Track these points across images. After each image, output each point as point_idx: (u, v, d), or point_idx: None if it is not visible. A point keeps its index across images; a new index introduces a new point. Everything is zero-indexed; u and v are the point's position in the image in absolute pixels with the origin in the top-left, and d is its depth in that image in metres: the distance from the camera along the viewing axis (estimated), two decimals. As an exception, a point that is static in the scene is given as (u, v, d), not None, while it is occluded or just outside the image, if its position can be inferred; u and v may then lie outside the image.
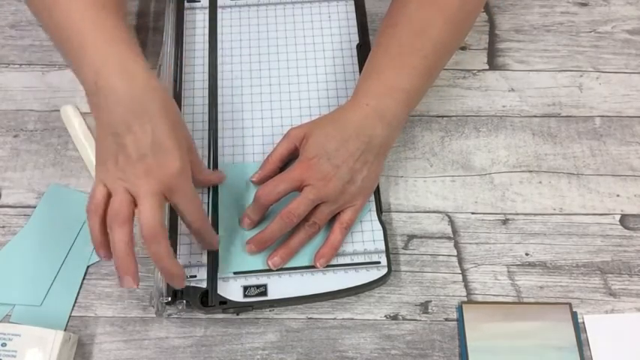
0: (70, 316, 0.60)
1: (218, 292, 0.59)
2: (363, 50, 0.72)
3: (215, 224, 0.62)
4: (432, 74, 0.63)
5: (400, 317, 0.60)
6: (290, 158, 0.62)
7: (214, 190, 0.63)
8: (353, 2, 0.75)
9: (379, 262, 0.60)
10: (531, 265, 0.62)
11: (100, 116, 0.53)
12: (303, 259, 0.61)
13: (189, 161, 0.54)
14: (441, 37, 0.61)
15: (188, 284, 0.59)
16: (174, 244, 0.61)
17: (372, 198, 0.63)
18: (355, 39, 0.73)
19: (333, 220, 0.60)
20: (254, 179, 0.63)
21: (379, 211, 0.63)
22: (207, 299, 0.59)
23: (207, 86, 0.70)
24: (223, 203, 0.63)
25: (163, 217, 0.52)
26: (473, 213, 0.65)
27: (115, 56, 0.53)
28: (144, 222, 0.51)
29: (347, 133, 0.58)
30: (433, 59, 0.61)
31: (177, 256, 0.61)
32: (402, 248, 0.63)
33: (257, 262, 0.60)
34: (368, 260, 0.61)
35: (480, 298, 0.61)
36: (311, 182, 0.57)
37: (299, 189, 0.58)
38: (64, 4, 0.55)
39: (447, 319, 0.60)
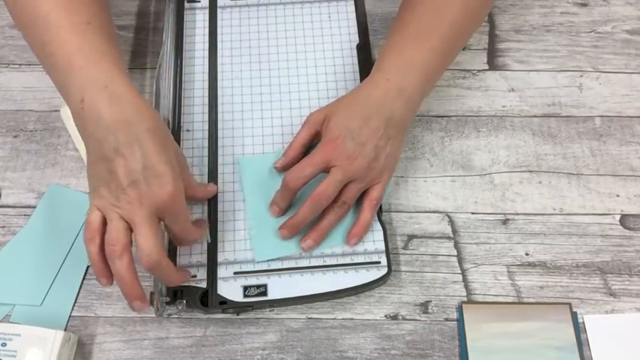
0: (70, 316, 0.60)
1: (218, 292, 0.59)
2: (363, 50, 0.72)
3: (215, 224, 0.62)
4: (450, 54, 0.64)
5: (400, 317, 0.60)
6: (312, 143, 0.62)
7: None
8: (353, 2, 0.75)
9: (379, 262, 0.60)
10: (531, 265, 0.62)
11: (88, 140, 0.52)
12: (304, 261, 0.61)
13: (181, 181, 0.53)
14: (459, 18, 0.62)
15: (188, 284, 0.59)
16: (173, 244, 0.61)
17: (372, 198, 0.63)
18: (355, 39, 0.73)
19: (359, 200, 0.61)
20: (277, 165, 0.63)
21: (379, 211, 0.63)
22: (207, 299, 0.59)
23: (207, 86, 0.70)
24: (249, 194, 0.63)
25: (161, 240, 0.52)
26: (473, 213, 0.65)
27: (100, 79, 0.52)
28: (142, 251, 0.51)
29: (369, 110, 0.58)
30: (451, 40, 0.62)
31: (178, 256, 0.61)
32: (402, 248, 0.63)
33: (290, 246, 0.60)
34: (368, 260, 0.61)
35: (480, 298, 0.61)
36: (337, 163, 0.57)
37: (326, 170, 0.58)
38: (48, 19, 0.55)
39: (447, 319, 0.60)
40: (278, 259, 0.60)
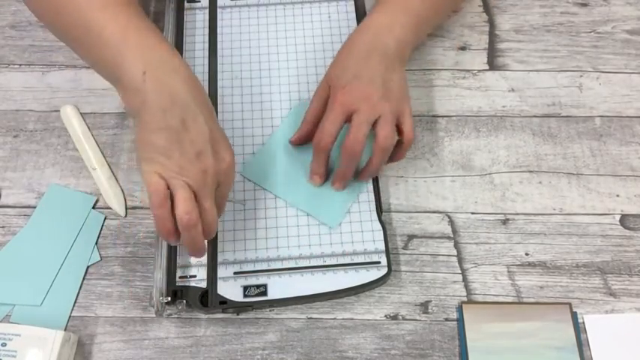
0: (70, 316, 0.60)
1: (218, 292, 0.59)
2: (363, 50, 0.72)
3: None
4: (438, 10, 0.68)
5: (400, 317, 0.60)
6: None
7: None
8: (353, 2, 0.75)
9: (379, 262, 0.60)
10: (531, 265, 0.62)
11: (147, 110, 0.51)
12: (304, 261, 0.61)
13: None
14: None
15: (188, 284, 0.59)
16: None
17: (372, 198, 0.63)
18: (355, 39, 0.73)
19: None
20: (293, 140, 0.64)
21: (379, 211, 0.63)
22: (207, 299, 0.59)
23: (207, 86, 0.70)
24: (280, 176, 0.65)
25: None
26: (473, 213, 0.65)
27: (159, 54, 0.53)
28: (206, 223, 0.52)
29: (364, 51, 0.60)
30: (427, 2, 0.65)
31: (177, 256, 0.61)
32: (402, 248, 0.63)
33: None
34: (368, 260, 0.61)
35: (480, 298, 0.61)
36: (355, 107, 0.58)
37: (348, 120, 0.59)
38: (88, 1, 0.54)
39: (447, 319, 0.60)
40: (286, 256, 0.60)
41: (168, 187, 0.51)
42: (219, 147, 0.53)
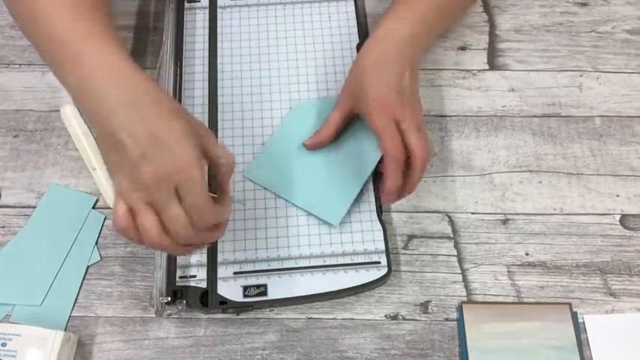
0: (70, 316, 0.60)
1: (218, 292, 0.59)
2: (363, 50, 0.72)
3: None
4: (447, 16, 0.69)
5: (400, 317, 0.60)
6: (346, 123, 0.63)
7: None
8: (353, 2, 0.75)
9: (379, 262, 0.60)
10: (531, 265, 0.62)
11: (96, 126, 0.50)
12: (304, 261, 0.61)
13: (194, 148, 0.48)
14: None
15: (188, 284, 0.59)
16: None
17: (372, 198, 0.64)
18: (355, 39, 0.73)
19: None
20: (307, 143, 0.64)
21: (379, 211, 0.63)
22: (207, 299, 0.59)
23: (207, 86, 0.70)
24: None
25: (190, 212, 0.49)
26: (473, 213, 0.65)
27: (104, 62, 0.51)
28: (176, 236, 0.48)
29: (389, 61, 0.60)
30: (438, 9, 0.65)
31: (177, 256, 0.61)
32: (402, 248, 0.63)
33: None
34: (368, 260, 0.61)
35: (480, 298, 0.61)
36: (399, 117, 0.58)
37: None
38: (46, 10, 0.54)
39: (447, 319, 0.60)
40: (286, 256, 0.60)
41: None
42: (169, 144, 0.47)
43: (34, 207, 0.65)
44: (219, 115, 0.68)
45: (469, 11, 0.77)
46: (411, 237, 0.64)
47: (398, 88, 0.58)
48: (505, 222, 0.64)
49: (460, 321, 0.59)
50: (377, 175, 0.65)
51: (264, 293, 0.59)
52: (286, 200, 0.63)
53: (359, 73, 0.61)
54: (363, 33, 0.73)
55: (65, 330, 0.59)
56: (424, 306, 0.60)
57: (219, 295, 0.59)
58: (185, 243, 0.49)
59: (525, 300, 0.60)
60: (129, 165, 0.47)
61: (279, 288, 0.59)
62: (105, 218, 0.65)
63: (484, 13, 0.77)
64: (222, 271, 0.60)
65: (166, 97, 0.51)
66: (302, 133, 0.65)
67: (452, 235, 0.64)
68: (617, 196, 0.65)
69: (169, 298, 0.58)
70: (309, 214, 0.63)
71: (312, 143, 0.64)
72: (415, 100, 0.60)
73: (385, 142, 0.57)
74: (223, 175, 0.52)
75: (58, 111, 0.70)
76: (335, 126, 0.63)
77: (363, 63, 0.61)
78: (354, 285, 0.59)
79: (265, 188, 0.64)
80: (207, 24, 0.74)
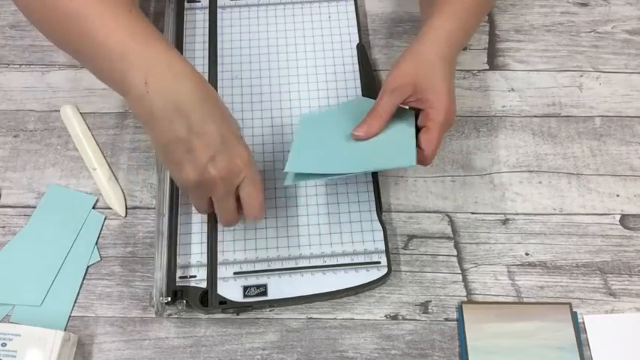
0: (70, 316, 0.60)
1: (218, 292, 0.59)
2: (363, 50, 0.72)
3: None
4: (480, 18, 0.68)
5: (400, 317, 0.60)
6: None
7: None
8: (353, 2, 0.75)
9: (379, 262, 0.60)
10: (531, 265, 0.62)
11: (156, 123, 0.51)
12: (304, 261, 0.61)
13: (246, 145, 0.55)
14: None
15: (188, 284, 0.59)
16: (173, 244, 0.61)
17: (372, 198, 0.63)
18: (355, 39, 0.73)
19: None
20: (361, 134, 0.58)
21: (379, 211, 0.63)
22: (207, 299, 0.59)
23: (207, 86, 0.70)
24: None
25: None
26: (473, 213, 0.65)
27: (158, 59, 0.51)
28: (224, 219, 0.57)
29: (448, 68, 0.59)
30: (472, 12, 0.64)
31: (177, 256, 0.61)
32: (402, 248, 0.63)
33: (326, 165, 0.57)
34: (368, 260, 0.61)
35: (480, 298, 0.61)
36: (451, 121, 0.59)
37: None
38: (89, 11, 0.52)
39: (447, 319, 0.60)
40: (286, 256, 0.60)
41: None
42: (232, 144, 0.52)
43: (34, 207, 0.65)
44: (219, 115, 0.68)
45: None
46: (411, 237, 0.64)
47: (453, 95, 0.59)
48: (505, 222, 0.64)
49: (460, 321, 0.59)
50: (376, 177, 0.65)
51: (264, 293, 0.59)
52: (345, 175, 0.59)
53: (425, 65, 0.58)
54: (363, 33, 0.73)
55: (65, 330, 0.59)
56: (424, 306, 0.60)
57: (219, 295, 0.59)
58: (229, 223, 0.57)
59: (525, 300, 0.60)
60: (197, 165, 0.51)
61: (279, 288, 0.59)
62: (105, 218, 0.65)
63: (484, 13, 0.77)
64: (222, 271, 0.60)
65: (216, 95, 0.55)
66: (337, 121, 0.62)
67: (452, 235, 0.64)
68: (617, 196, 0.65)
69: (169, 298, 0.58)
70: (379, 173, 0.63)
71: (365, 133, 0.58)
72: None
73: (430, 148, 0.57)
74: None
75: (58, 111, 0.70)
76: (388, 115, 0.58)
77: (429, 59, 0.59)
78: (354, 285, 0.59)
79: (318, 174, 0.57)
80: (207, 24, 0.74)
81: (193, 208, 0.63)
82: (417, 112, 0.59)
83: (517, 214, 0.65)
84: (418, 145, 0.57)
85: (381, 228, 0.62)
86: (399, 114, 0.59)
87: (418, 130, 0.58)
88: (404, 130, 0.59)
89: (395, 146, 0.57)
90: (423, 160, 0.58)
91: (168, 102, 0.50)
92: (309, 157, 0.58)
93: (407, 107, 0.60)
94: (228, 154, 0.52)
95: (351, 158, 0.57)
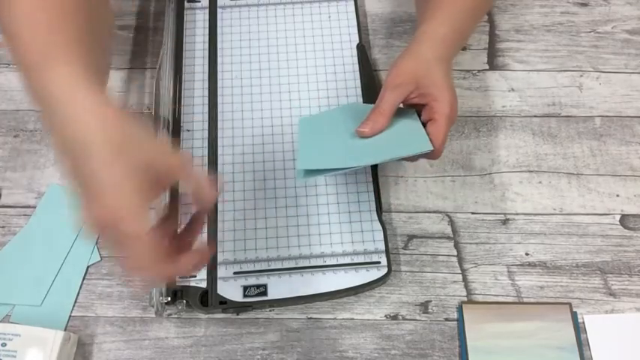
0: (70, 316, 0.60)
1: (218, 292, 0.59)
2: (363, 50, 0.72)
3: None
4: (477, 20, 0.68)
5: (400, 317, 0.60)
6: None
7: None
8: (353, 2, 0.75)
9: (379, 262, 0.60)
10: (531, 265, 0.62)
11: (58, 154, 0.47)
12: (304, 261, 0.61)
13: (140, 185, 0.44)
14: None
15: (188, 284, 0.59)
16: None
17: (372, 198, 0.63)
18: (355, 39, 0.73)
19: None
20: (366, 130, 0.57)
21: (379, 211, 0.63)
22: (207, 299, 0.59)
23: (207, 86, 0.70)
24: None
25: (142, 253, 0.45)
26: (473, 213, 0.65)
27: (59, 94, 0.45)
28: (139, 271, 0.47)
29: (445, 63, 0.59)
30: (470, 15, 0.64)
31: (177, 256, 0.61)
32: (402, 248, 0.63)
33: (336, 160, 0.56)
34: (368, 260, 0.61)
35: (480, 298, 0.61)
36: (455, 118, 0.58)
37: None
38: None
39: (447, 319, 0.60)
40: (286, 256, 0.60)
41: None
42: (102, 195, 0.43)
43: (34, 207, 0.65)
44: (219, 115, 0.68)
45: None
46: (411, 237, 0.64)
47: (455, 93, 0.58)
48: (505, 222, 0.64)
49: (460, 321, 0.59)
50: (376, 177, 0.65)
51: (264, 293, 0.59)
52: (359, 167, 0.57)
53: (424, 64, 0.58)
54: (363, 33, 0.73)
55: (65, 330, 0.59)
56: (424, 306, 0.60)
57: (219, 295, 0.59)
58: (161, 277, 0.49)
59: (525, 300, 0.60)
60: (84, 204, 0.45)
61: (279, 288, 0.59)
62: (105, 218, 0.64)
63: (484, 13, 0.77)
64: (222, 271, 0.60)
65: (116, 129, 0.45)
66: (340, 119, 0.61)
67: (452, 235, 0.64)
68: (617, 196, 0.65)
69: (169, 298, 0.58)
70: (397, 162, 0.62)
71: (371, 130, 0.57)
72: None
73: (439, 140, 0.56)
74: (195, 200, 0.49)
75: (58, 111, 0.70)
76: (392, 112, 0.58)
77: (427, 58, 0.58)
78: (354, 285, 0.59)
79: (332, 169, 0.55)
80: (207, 24, 0.74)
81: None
82: (418, 111, 0.59)
83: (517, 214, 0.65)
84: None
85: (381, 228, 0.62)
86: (400, 112, 0.59)
87: (423, 125, 0.58)
88: (410, 122, 0.58)
89: (406, 135, 0.57)
90: (432, 154, 0.57)
91: (57, 141, 0.45)
92: (319, 153, 0.57)
93: (407, 108, 0.60)
94: (98, 204, 0.43)
95: (362, 151, 0.56)
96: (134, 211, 0.44)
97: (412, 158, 0.60)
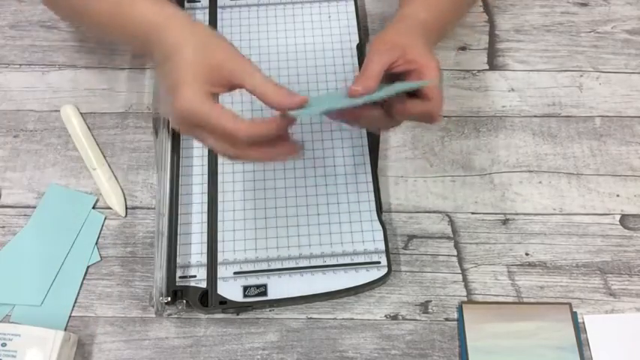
0: (70, 316, 0.60)
1: (218, 292, 0.59)
2: (363, 50, 0.72)
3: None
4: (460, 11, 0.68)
5: (400, 317, 0.60)
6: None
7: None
8: (353, 2, 0.75)
9: (379, 262, 0.60)
10: (531, 265, 0.62)
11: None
12: (304, 261, 0.61)
13: (205, 85, 0.53)
14: None
15: (188, 284, 0.59)
16: (173, 244, 0.61)
17: (372, 198, 0.63)
18: (355, 39, 0.73)
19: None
20: (359, 88, 0.53)
21: (379, 211, 0.63)
22: (207, 299, 0.59)
23: (207, 86, 0.70)
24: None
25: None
26: (473, 213, 0.65)
27: (154, 20, 0.55)
28: (222, 155, 0.54)
29: (425, 32, 0.59)
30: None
31: (177, 256, 0.61)
32: (402, 248, 0.63)
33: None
34: (368, 260, 0.61)
35: (480, 298, 0.61)
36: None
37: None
38: None
39: (447, 319, 0.60)
40: (286, 256, 0.60)
41: None
42: (176, 91, 0.52)
43: (34, 207, 0.65)
44: (219, 115, 0.68)
45: (468, 11, 0.77)
46: (411, 237, 0.64)
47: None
48: (505, 222, 0.64)
49: (460, 321, 0.59)
50: (376, 177, 0.65)
51: (264, 293, 0.59)
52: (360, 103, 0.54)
53: (408, 35, 0.58)
54: (363, 33, 0.73)
55: (65, 330, 0.59)
56: (424, 306, 0.60)
57: (219, 295, 0.59)
58: (244, 158, 0.54)
59: (525, 300, 0.60)
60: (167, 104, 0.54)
61: (279, 288, 0.59)
62: (105, 218, 0.65)
63: (484, 13, 0.77)
64: (222, 271, 0.60)
65: (201, 36, 0.55)
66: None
67: (452, 235, 0.64)
68: (617, 196, 0.65)
69: (169, 298, 0.58)
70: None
71: (364, 88, 0.53)
72: None
73: (437, 98, 0.55)
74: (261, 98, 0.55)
75: (58, 111, 0.70)
76: (380, 76, 0.54)
77: (411, 32, 0.58)
78: (354, 285, 0.59)
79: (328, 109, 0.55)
80: (207, 24, 0.74)
81: (193, 207, 0.63)
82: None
83: (517, 214, 0.65)
84: (424, 97, 0.55)
85: (381, 228, 0.62)
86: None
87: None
88: (398, 84, 0.55)
89: (399, 87, 0.54)
90: (431, 115, 0.55)
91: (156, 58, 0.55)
92: (317, 103, 0.55)
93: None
94: (173, 98, 0.52)
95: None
96: (200, 99, 0.52)
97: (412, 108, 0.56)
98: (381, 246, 0.61)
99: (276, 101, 0.53)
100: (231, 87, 0.55)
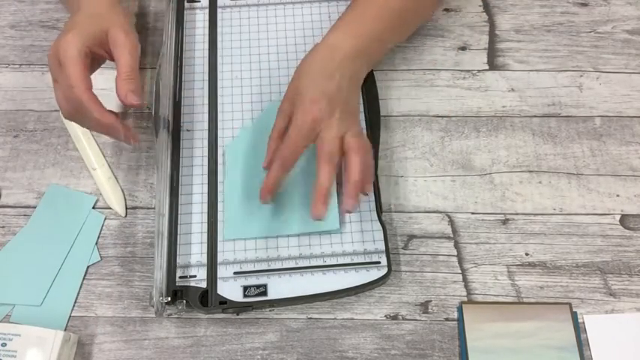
0: (70, 316, 0.60)
1: (218, 292, 0.59)
2: (363, 50, 0.72)
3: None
4: (396, 30, 0.68)
5: (400, 317, 0.60)
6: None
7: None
8: (353, 2, 0.75)
9: (379, 262, 0.60)
10: (531, 265, 0.62)
11: None
12: (304, 261, 0.61)
13: (78, 36, 0.58)
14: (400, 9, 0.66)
15: (188, 284, 0.59)
16: (173, 244, 0.61)
17: (372, 198, 0.63)
18: (355, 39, 0.73)
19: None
20: (265, 165, 0.61)
21: (379, 211, 0.63)
22: (207, 299, 0.59)
23: (207, 86, 0.70)
24: (230, 175, 0.64)
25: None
26: (473, 213, 0.65)
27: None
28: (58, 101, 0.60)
29: (330, 70, 0.60)
30: (388, 25, 0.66)
31: (177, 256, 0.61)
32: (402, 248, 0.63)
33: (261, 228, 0.62)
34: (368, 260, 0.61)
35: (480, 298, 0.61)
36: (323, 125, 0.58)
37: (314, 139, 0.58)
38: None
39: (447, 319, 0.60)
40: (286, 256, 0.60)
41: None
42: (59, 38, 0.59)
43: (34, 207, 0.65)
44: (219, 115, 0.68)
45: (468, 11, 0.77)
46: (411, 237, 0.64)
47: (332, 96, 0.58)
48: (505, 222, 0.64)
49: (460, 321, 0.59)
50: (376, 177, 0.65)
51: (264, 293, 0.59)
52: (278, 235, 0.62)
53: (298, 79, 0.61)
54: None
55: (65, 330, 0.59)
56: (424, 306, 0.60)
57: (219, 295, 0.59)
58: (72, 118, 0.59)
59: (525, 300, 0.60)
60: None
61: (279, 288, 0.59)
62: (105, 218, 0.65)
63: (484, 13, 0.77)
64: (222, 271, 0.60)
65: (101, 6, 0.62)
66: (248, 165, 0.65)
67: (452, 235, 0.64)
68: (617, 196, 0.65)
69: (169, 298, 0.58)
70: (310, 233, 0.62)
71: (269, 162, 0.60)
72: (351, 113, 0.60)
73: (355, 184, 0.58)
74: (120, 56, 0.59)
75: (58, 111, 0.70)
76: (282, 132, 0.60)
77: (305, 70, 0.61)
78: (354, 285, 0.59)
79: (253, 239, 0.62)
80: (207, 24, 0.74)
81: (193, 207, 0.63)
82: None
83: (517, 214, 0.65)
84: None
85: (381, 228, 0.62)
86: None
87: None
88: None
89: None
90: (364, 187, 0.58)
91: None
92: (244, 221, 0.62)
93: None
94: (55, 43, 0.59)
95: (282, 220, 0.62)
96: (68, 46, 0.57)
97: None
98: (381, 246, 0.61)
99: (120, 92, 0.58)
100: (110, 56, 0.60)
